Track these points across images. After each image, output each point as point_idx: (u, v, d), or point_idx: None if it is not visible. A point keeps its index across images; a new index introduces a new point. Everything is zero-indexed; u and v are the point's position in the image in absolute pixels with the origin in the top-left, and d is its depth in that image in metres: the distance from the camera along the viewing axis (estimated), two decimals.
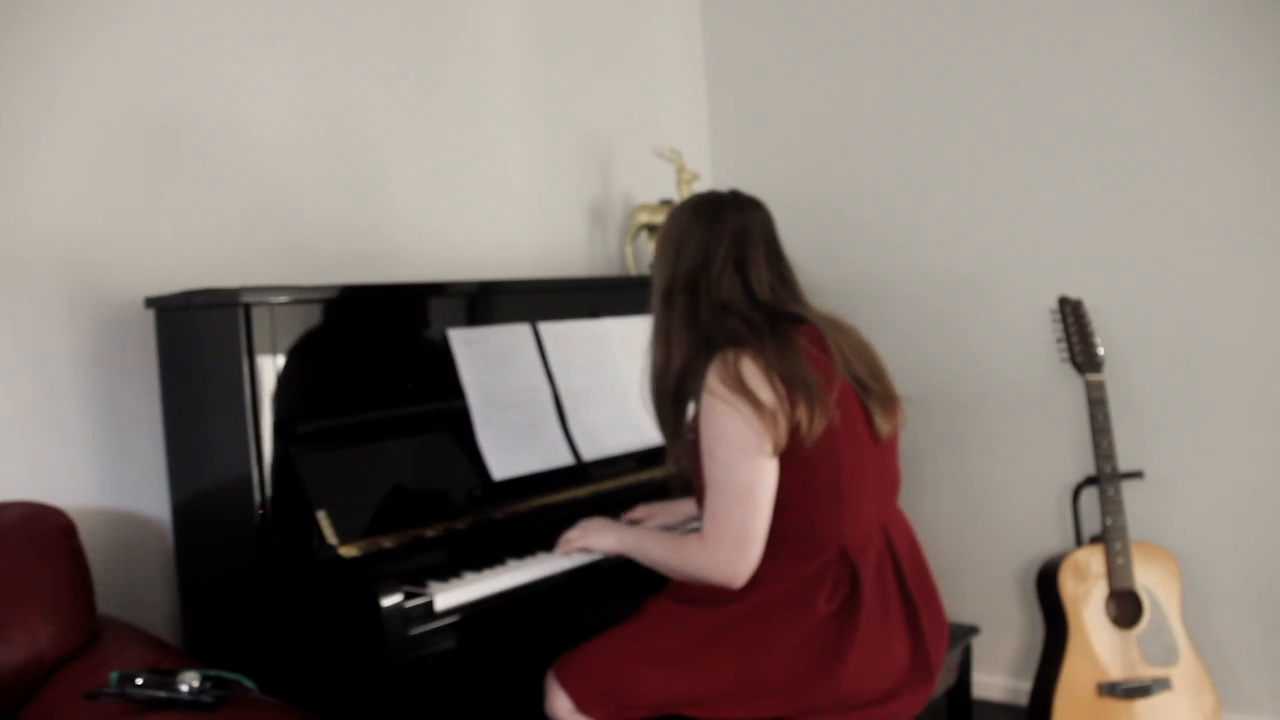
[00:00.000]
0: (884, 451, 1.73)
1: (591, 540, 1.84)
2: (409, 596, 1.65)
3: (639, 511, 2.08)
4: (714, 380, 1.58)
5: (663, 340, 1.70)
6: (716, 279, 1.66)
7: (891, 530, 1.73)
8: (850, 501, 1.65)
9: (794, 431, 1.57)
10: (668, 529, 1.94)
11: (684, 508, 2.03)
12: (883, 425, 1.70)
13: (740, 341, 1.60)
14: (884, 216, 2.99)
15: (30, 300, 1.84)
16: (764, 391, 1.55)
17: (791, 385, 1.56)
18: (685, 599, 1.72)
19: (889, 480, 1.76)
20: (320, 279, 2.19)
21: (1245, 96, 2.45)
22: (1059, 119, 2.69)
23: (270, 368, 1.76)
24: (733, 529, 1.58)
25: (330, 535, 1.70)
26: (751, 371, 1.57)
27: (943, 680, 2.09)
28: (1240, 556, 2.54)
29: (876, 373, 1.73)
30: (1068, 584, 2.46)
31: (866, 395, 1.69)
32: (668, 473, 1.79)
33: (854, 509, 1.66)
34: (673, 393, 1.69)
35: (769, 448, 1.56)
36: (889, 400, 1.72)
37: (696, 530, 1.67)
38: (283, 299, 1.78)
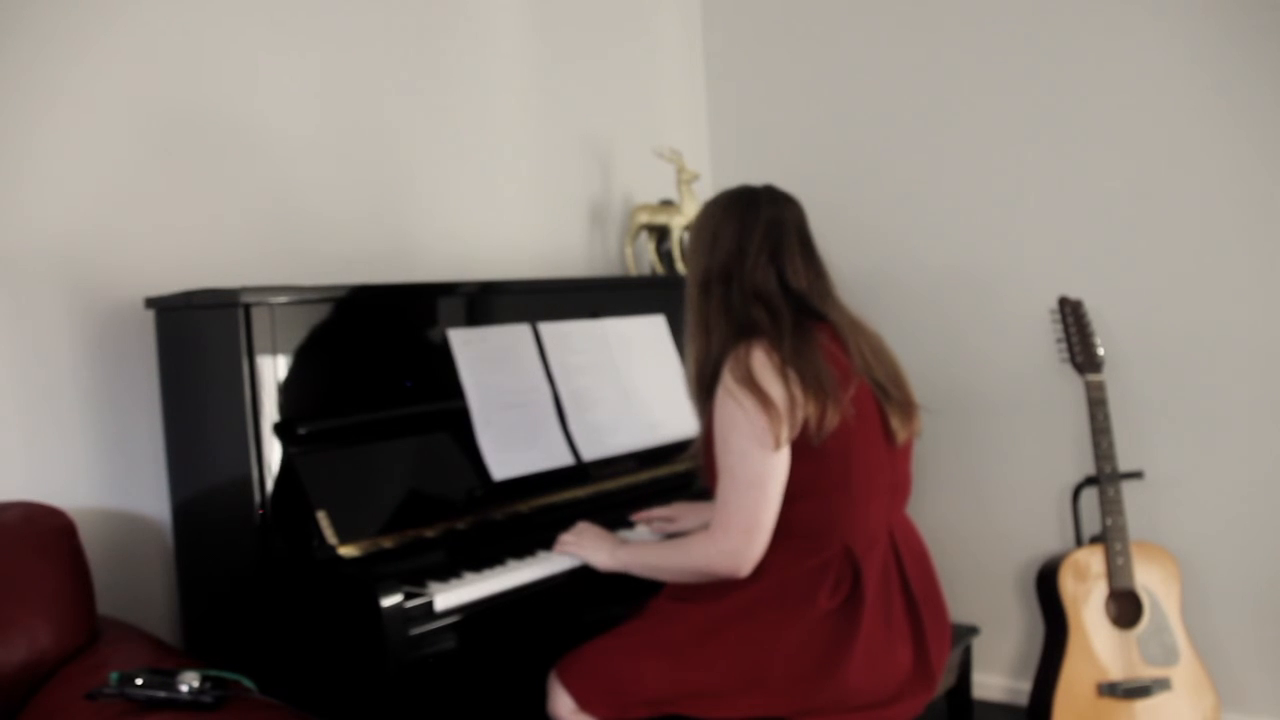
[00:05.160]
0: (897, 457, 1.73)
1: (585, 555, 1.83)
2: (409, 596, 1.65)
3: (664, 510, 2.05)
4: (728, 373, 1.60)
5: (702, 330, 1.71)
6: (751, 268, 1.68)
7: (898, 535, 1.73)
8: (859, 500, 1.66)
9: (804, 426, 1.58)
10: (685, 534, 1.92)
11: (709, 514, 1.95)
12: (899, 430, 1.70)
13: (758, 333, 1.62)
14: (884, 216, 2.99)
15: (30, 300, 1.84)
16: (774, 387, 1.57)
17: (805, 380, 1.57)
18: (685, 597, 1.72)
19: (900, 486, 1.76)
20: (328, 278, 2.19)
21: (1246, 97, 2.45)
22: (1060, 120, 2.68)
23: (270, 368, 1.76)
24: (743, 517, 1.59)
25: (330, 535, 1.70)
26: (763, 365, 1.58)
27: (943, 680, 2.08)
28: (1240, 557, 2.54)
29: (896, 379, 1.73)
30: (1068, 584, 2.46)
31: (885, 400, 1.69)
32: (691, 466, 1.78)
33: (862, 508, 1.66)
34: (710, 381, 1.68)
35: (778, 441, 1.56)
36: (907, 407, 1.73)
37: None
38: (283, 299, 1.78)
